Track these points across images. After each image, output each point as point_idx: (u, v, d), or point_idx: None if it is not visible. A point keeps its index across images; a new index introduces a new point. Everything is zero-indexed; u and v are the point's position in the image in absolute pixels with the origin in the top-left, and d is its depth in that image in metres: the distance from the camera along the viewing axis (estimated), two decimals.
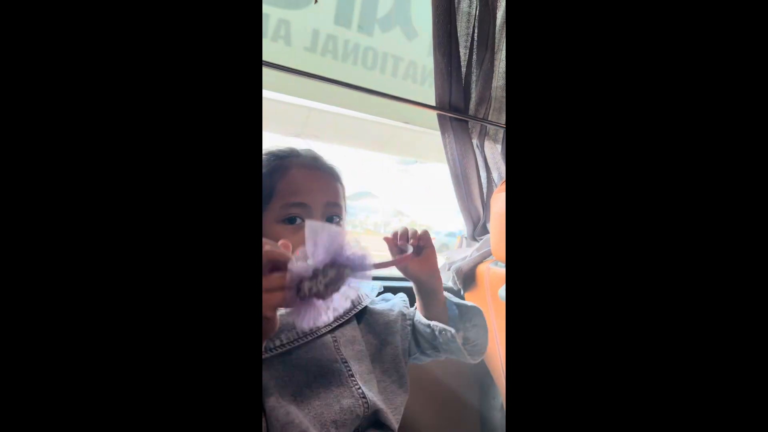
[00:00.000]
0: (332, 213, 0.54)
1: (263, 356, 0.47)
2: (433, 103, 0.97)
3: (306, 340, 0.50)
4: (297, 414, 0.45)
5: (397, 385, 0.56)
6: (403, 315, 0.62)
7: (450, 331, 0.57)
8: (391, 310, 0.62)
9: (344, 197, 0.58)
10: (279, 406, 0.45)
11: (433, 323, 0.58)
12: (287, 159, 0.54)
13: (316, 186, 0.53)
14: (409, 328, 0.61)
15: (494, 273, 0.92)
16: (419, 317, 0.61)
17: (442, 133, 0.99)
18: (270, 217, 0.51)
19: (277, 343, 0.49)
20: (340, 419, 0.46)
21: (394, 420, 0.52)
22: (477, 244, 1.03)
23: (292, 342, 0.49)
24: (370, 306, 0.61)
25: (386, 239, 0.60)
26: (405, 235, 0.59)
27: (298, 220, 0.51)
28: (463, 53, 0.97)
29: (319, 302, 0.34)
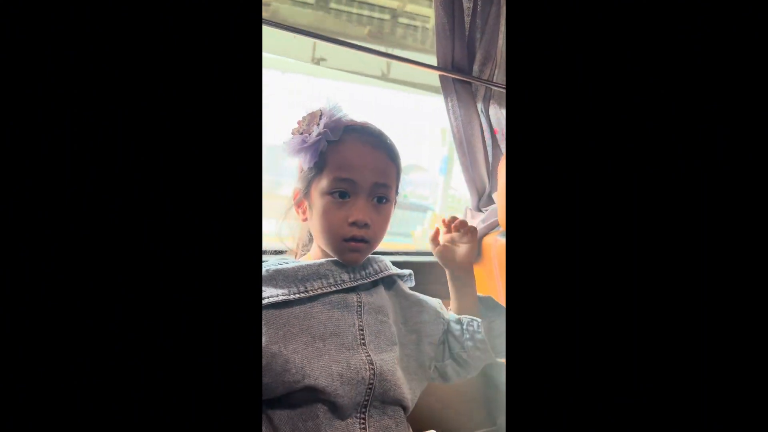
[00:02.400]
0: (380, 194, 0.54)
1: (287, 297, 0.50)
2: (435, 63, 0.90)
3: (330, 289, 0.53)
4: (295, 364, 0.47)
5: (417, 370, 0.57)
6: (437, 311, 0.62)
7: (477, 321, 0.59)
8: (426, 302, 0.63)
9: (398, 178, 0.58)
10: (279, 354, 0.47)
11: (462, 316, 0.61)
12: (344, 132, 0.54)
13: (368, 163, 0.53)
14: (443, 325, 0.62)
15: (502, 245, 0.88)
16: (451, 314, 0.63)
17: (445, 97, 0.92)
18: (318, 187, 0.53)
19: (301, 288, 0.51)
20: (346, 374, 0.48)
21: (409, 400, 0.53)
22: (482, 215, 0.98)
23: (316, 289, 0.52)
24: (401, 285, 0.62)
25: (442, 221, 0.67)
26: (457, 224, 0.66)
27: (347, 196, 0.53)
28: (468, 7, 0.89)
29: (305, 135, 0.52)
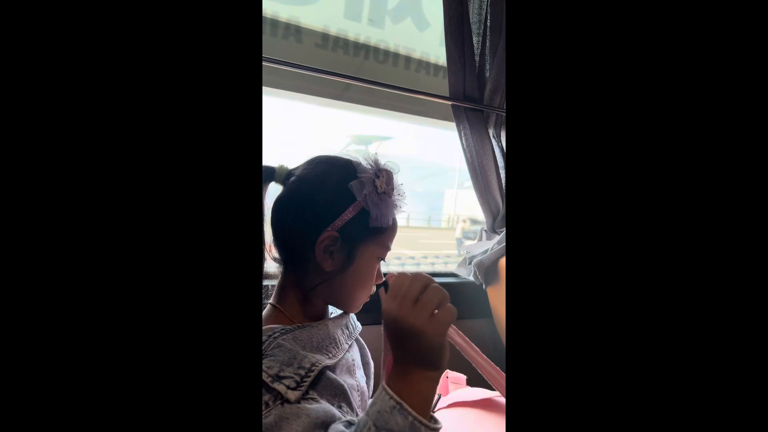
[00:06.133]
0: None
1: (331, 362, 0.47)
2: (447, 94, 0.95)
3: (342, 353, 0.50)
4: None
5: None
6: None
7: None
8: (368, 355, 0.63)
9: None
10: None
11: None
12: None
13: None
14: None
15: None
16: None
17: (457, 124, 0.96)
18: (369, 248, 0.51)
19: (333, 353, 0.48)
20: None
21: None
22: (497, 237, 1.00)
23: (338, 354, 0.49)
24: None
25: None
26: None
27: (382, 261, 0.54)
28: (476, 40, 0.94)
29: (384, 194, 0.50)
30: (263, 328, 0.47)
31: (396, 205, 0.52)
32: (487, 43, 0.95)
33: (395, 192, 0.52)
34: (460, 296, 1.05)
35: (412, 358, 0.39)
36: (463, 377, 0.74)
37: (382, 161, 0.52)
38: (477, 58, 0.95)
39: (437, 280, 1.05)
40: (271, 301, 0.53)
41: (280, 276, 0.54)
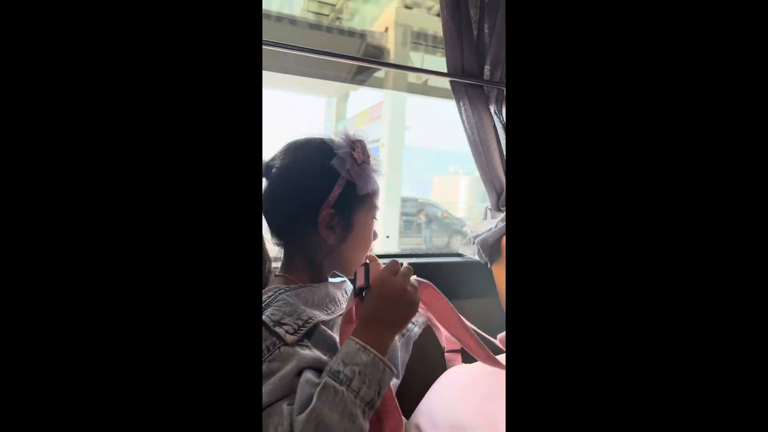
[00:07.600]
0: None
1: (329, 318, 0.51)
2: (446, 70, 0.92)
3: (341, 311, 0.54)
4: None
5: None
6: None
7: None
8: None
9: None
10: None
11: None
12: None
13: None
14: None
15: None
16: None
17: (457, 101, 0.94)
18: (362, 211, 0.57)
19: (331, 310, 0.53)
20: None
21: None
22: (501, 215, 0.99)
23: (335, 312, 0.54)
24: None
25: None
26: None
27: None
28: (474, 13, 0.92)
29: (365, 164, 0.55)
30: (270, 286, 0.52)
31: (374, 170, 0.57)
32: (485, 16, 0.92)
33: (371, 158, 0.57)
34: (465, 275, 1.04)
35: (381, 314, 0.48)
36: (458, 356, 0.75)
37: (351, 132, 0.55)
38: (475, 32, 0.92)
39: (443, 260, 1.04)
40: (278, 272, 0.58)
41: (282, 257, 0.59)
